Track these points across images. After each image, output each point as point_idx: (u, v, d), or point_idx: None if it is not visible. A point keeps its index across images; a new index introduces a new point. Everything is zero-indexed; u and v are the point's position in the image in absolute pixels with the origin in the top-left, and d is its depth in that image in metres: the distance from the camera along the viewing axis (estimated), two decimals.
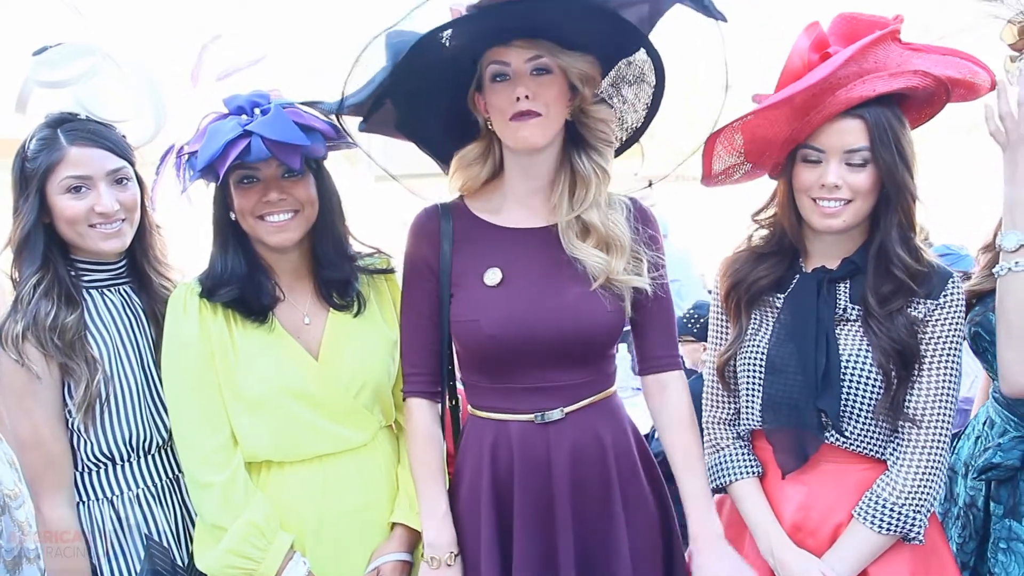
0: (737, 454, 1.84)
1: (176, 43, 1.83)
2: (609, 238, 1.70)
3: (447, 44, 1.62)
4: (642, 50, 1.74)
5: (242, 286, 1.74)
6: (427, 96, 1.72)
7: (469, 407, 1.82)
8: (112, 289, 1.86)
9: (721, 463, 1.84)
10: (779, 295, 1.80)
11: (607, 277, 1.68)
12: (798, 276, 1.79)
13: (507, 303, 1.69)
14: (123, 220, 1.80)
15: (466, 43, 1.62)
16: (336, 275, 1.82)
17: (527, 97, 1.60)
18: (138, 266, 1.90)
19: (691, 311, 3.80)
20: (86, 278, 1.82)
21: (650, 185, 1.90)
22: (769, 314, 1.81)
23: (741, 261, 1.85)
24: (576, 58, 1.64)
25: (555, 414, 1.71)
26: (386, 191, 1.89)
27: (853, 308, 1.72)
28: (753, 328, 1.82)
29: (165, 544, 1.83)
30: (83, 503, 1.79)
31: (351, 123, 1.75)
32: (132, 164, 1.83)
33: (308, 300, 1.84)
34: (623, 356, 4.24)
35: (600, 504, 1.71)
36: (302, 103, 1.71)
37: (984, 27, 1.80)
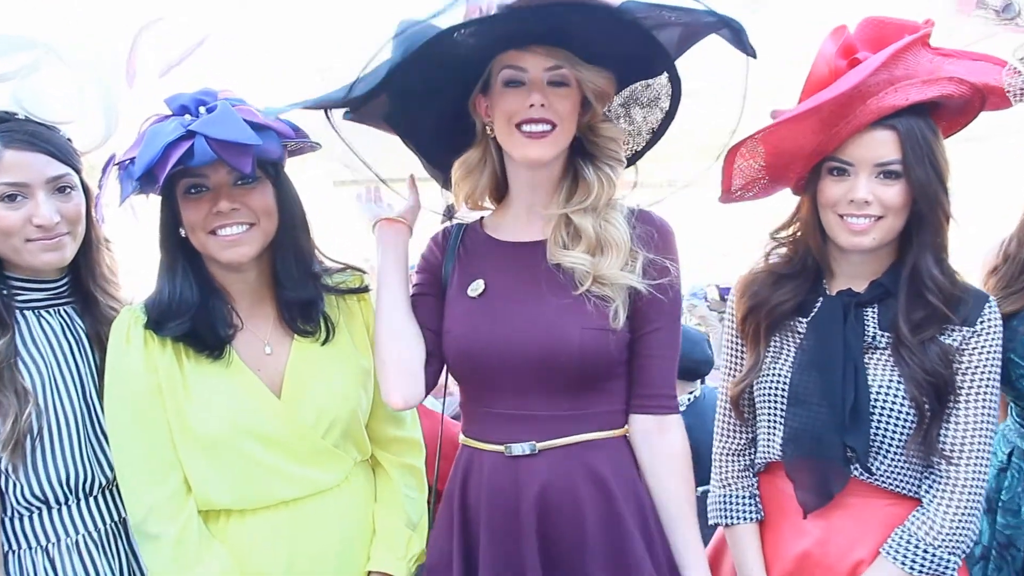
0: (742, 495, 1.72)
1: (127, 39, 1.62)
2: (601, 241, 1.54)
3: (463, 42, 1.46)
4: (665, 74, 1.61)
5: (194, 316, 1.53)
6: (426, 92, 1.56)
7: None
8: (51, 311, 1.64)
9: (725, 501, 1.72)
10: (801, 319, 1.66)
11: (594, 278, 1.51)
12: (822, 299, 1.65)
13: (481, 315, 1.56)
14: (65, 233, 1.58)
15: (482, 43, 1.47)
16: (299, 296, 1.62)
17: (542, 105, 1.47)
18: (82, 285, 1.68)
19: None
20: (20, 298, 1.60)
21: (634, 186, 1.73)
22: (791, 340, 1.66)
23: (760, 283, 1.70)
24: (596, 73, 1.52)
25: (523, 448, 1.53)
26: (347, 195, 1.68)
27: (882, 335, 1.58)
28: (773, 354, 1.67)
29: None
30: (13, 552, 1.57)
31: (335, 113, 1.58)
32: (78, 171, 1.62)
33: (270, 326, 1.63)
34: None
35: (574, 561, 1.52)
36: (305, 103, 1.52)
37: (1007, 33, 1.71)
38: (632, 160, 1.74)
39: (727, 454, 1.75)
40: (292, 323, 1.63)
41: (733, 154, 1.61)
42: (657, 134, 1.71)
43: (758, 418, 1.70)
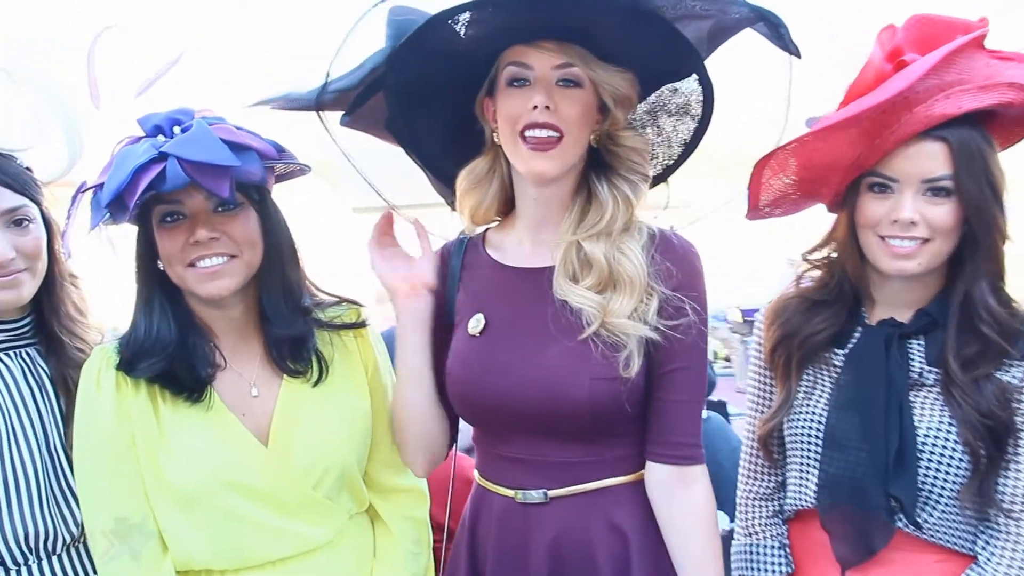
0: (770, 544, 1.56)
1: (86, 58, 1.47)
2: (614, 275, 1.37)
3: (462, 33, 1.32)
4: (694, 77, 1.44)
5: (170, 356, 1.38)
6: (428, 92, 1.42)
7: None
8: (11, 353, 1.50)
9: (752, 551, 1.57)
10: (837, 351, 1.50)
11: (602, 322, 1.35)
12: (861, 330, 1.49)
13: (480, 357, 1.42)
14: (22, 270, 1.45)
15: (485, 35, 1.32)
16: (288, 332, 1.47)
17: (547, 108, 1.31)
18: (46, 325, 1.54)
19: None
20: None
21: (666, 208, 1.58)
22: (825, 374, 1.50)
23: (791, 310, 1.54)
24: (613, 73, 1.36)
25: (535, 495, 1.40)
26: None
27: (930, 371, 1.41)
28: (806, 390, 1.51)
29: None
30: None
31: (331, 119, 1.44)
32: (37, 203, 1.48)
33: (256, 366, 1.48)
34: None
35: None
36: (273, 99, 1.37)
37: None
38: (664, 175, 1.58)
39: (754, 499, 1.60)
40: (281, 362, 1.48)
41: (761, 168, 1.45)
42: (690, 146, 1.54)
43: (788, 460, 1.54)
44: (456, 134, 1.48)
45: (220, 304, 1.43)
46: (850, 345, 1.48)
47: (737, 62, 1.37)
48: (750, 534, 1.59)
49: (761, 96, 1.38)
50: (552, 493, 1.40)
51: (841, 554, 1.45)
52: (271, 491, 1.42)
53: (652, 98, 1.50)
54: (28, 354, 1.52)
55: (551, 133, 1.33)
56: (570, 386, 1.35)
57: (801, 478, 1.50)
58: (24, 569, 1.45)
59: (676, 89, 1.48)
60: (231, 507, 1.39)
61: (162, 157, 1.27)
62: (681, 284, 1.40)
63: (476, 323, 1.44)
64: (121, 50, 1.45)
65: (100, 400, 1.37)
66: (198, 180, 1.28)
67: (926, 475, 1.38)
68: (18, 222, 1.44)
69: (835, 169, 1.42)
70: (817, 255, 1.54)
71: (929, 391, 1.41)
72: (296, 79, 1.32)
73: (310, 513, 1.46)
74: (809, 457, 1.48)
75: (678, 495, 1.40)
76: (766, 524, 1.58)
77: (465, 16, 1.29)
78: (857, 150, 1.38)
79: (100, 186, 1.31)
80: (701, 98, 1.46)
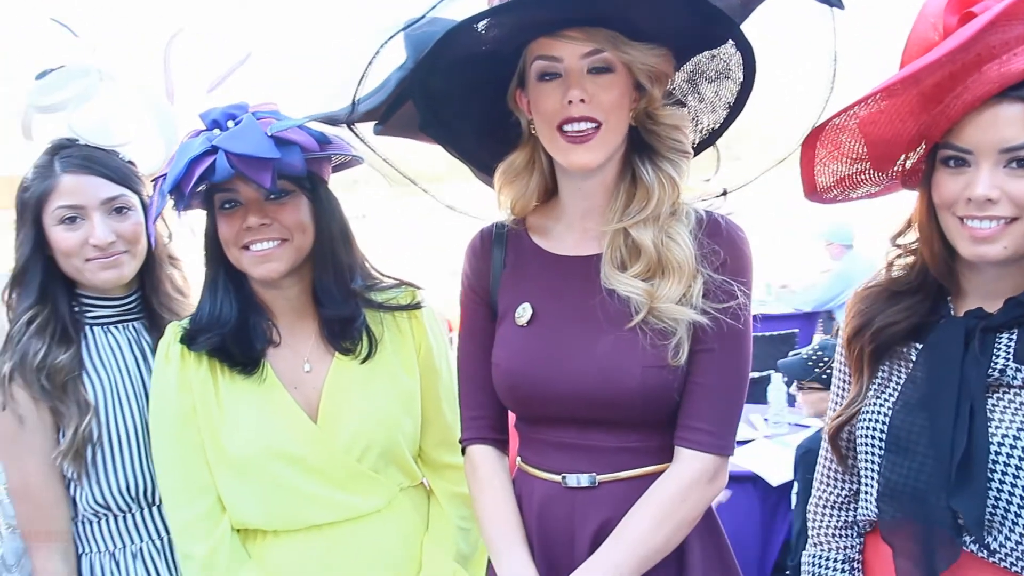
0: (834, 557, 1.41)
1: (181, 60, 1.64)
2: (663, 261, 1.32)
3: (485, 35, 1.30)
4: (730, 42, 1.35)
5: (225, 332, 1.51)
6: (457, 94, 1.41)
7: None
8: (119, 327, 1.71)
9: (815, 563, 1.43)
10: (917, 345, 1.31)
11: (650, 309, 1.30)
12: (942, 321, 1.29)
13: (529, 348, 1.40)
14: (123, 252, 1.64)
15: (507, 34, 1.29)
16: (337, 313, 1.55)
17: (582, 101, 1.26)
18: (148, 302, 1.73)
19: (814, 351, 3.18)
20: (90, 314, 1.68)
21: (724, 194, 1.46)
22: (901, 370, 1.32)
23: (872, 298, 1.37)
24: (645, 51, 1.29)
25: (583, 479, 1.37)
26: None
27: (1017, 369, 1.19)
28: (878, 387, 1.34)
29: None
30: (85, 554, 1.66)
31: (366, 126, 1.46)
32: (137, 192, 1.67)
33: (311, 343, 1.58)
34: (778, 386, 3.65)
35: None
36: (307, 118, 1.45)
37: None
38: (712, 139, 1.49)
39: (824, 506, 1.44)
40: (333, 340, 1.57)
41: (812, 143, 1.29)
42: (735, 108, 1.44)
43: (860, 465, 1.36)
44: (492, 129, 1.46)
45: (276, 285, 1.54)
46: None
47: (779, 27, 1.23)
48: (816, 544, 1.45)
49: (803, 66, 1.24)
50: (601, 478, 1.37)
51: (904, 573, 1.27)
52: (318, 462, 1.51)
53: (689, 66, 1.41)
54: (134, 327, 1.72)
55: (589, 125, 1.29)
56: (622, 376, 1.32)
57: (867, 485, 1.34)
58: (128, 516, 1.66)
59: (713, 55, 1.38)
60: (280, 476, 1.50)
61: (213, 150, 1.38)
62: (728, 267, 1.35)
63: (523, 312, 1.42)
64: (194, 51, 1.60)
65: (166, 370, 1.53)
66: (243, 171, 1.38)
67: (1000, 490, 1.17)
68: (118, 210, 1.63)
69: (897, 143, 1.23)
70: (907, 240, 1.35)
71: (1013, 393, 1.19)
72: (339, 84, 1.37)
73: (357, 484, 1.54)
74: (873, 462, 1.31)
75: (671, 471, 1.35)
76: (834, 535, 1.42)
77: (483, 21, 1.26)
78: (919, 119, 1.19)
79: (164, 176, 1.45)
80: (741, 61, 1.35)
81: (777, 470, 3.09)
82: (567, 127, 1.30)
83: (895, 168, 1.30)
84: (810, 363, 3.11)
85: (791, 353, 3.67)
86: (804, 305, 6.21)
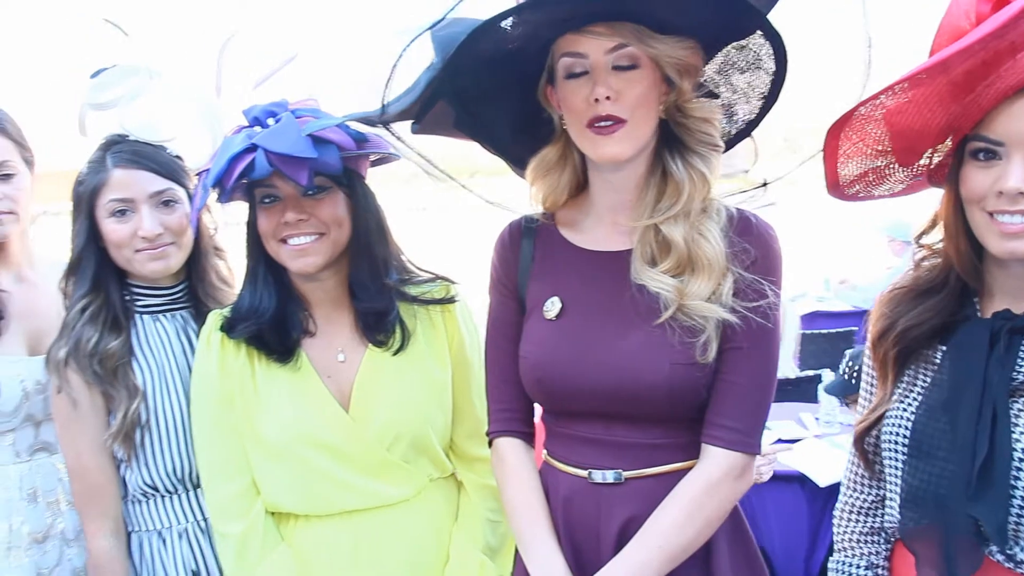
0: (858, 564, 1.39)
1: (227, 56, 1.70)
2: (692, 258, 1.33)
3: (508, 33, 1.31)
4: (758, 32, 1.34)
5: (263, 321, 1.56)
6: (489, 91, 1.43)
7: None
8: (167, 315, 1.78)
9: (839, 569, 1.41)
10: (942, 347, 1.28)
11: (679, 305, 1.31)
12: (968, 322, 1.25)
13: (557, 342, 1.40)
14: (169, 243, 1.70)
15: (533, 31, 1.30)
16: (371, 306, 1.59)
17: (607, 99, 1.27)
18: (195, 292, 1.80)
19: (847, 364, 3.10)
20: (140, 303, 1.76)
21: (764, 186, 1.47)
22: (926, 372, 1.30)
23: (897, 300, 1.34)
24: (672, 45, 1.29)
25: (609, 475, 1.38)
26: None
27: None
28: (903, 390, 1.31)
29: None
30: (134, 532, 1.74)
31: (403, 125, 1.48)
32: (183, 186, 1.73)
33: (346, 334, 1.62)
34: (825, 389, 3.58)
35: None
36: (343, 118, 1.49)
37: None
38: (747, 130, 1.48)
39: (849, 511, 1.42)
40: (368, 332, 1.61)
41: (835, 136, 1.26)
42: (770, 98, 1.43)
43: (885, 471, 1.34)
44: (525, 125, 1.48)
45: (313, 277, 1.58)
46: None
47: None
48: (841, 550, 1.42)
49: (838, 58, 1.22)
50: (627, 474, 1.37)
51: None
52: (349, 450, 1.55)
53: (719, 58, 1.40)
54: (182, 316, 1.80)
55: (614, 122, 1.30)
56: (649, 371, 1.32)
57: (892, 491, 1.31)
58: (174, 497, 1.73)
59: (743, 46, 1.36)
60: (312, 462, 1.54)
61: (253, 148, 1.43)
62: (758, 266, 1.34)
63: (551, 306, 1.43)
64: (244, 49, 1.66)
65: (207, 356, 1.59)
66: (281, 169, 1.43)
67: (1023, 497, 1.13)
68: (166, 202, 1.70)
69: (927, 135, 1.20)
70: (931, 239, 1.32)
71: None
72: (371, 85, 1.40)
73: (387, 473, 1.58)
74: (897, 467, 1.28)
75: (697, 468, 1.35)
76: (859, 541, 1.40)
77: (508, 19, 1.27)
78: (950, 109, 1.16)
79: (208, 171, 1.50)
80: (771, 52, 1.34)
81: (826, 471, 3.04)
82: (596, 124, 1.30)
83: (920, 163, 1.27)
84: (847, 377, 3.05)
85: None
86: (864, 303, 6.04)
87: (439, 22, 1.29)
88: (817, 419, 3.59)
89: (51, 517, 1.86)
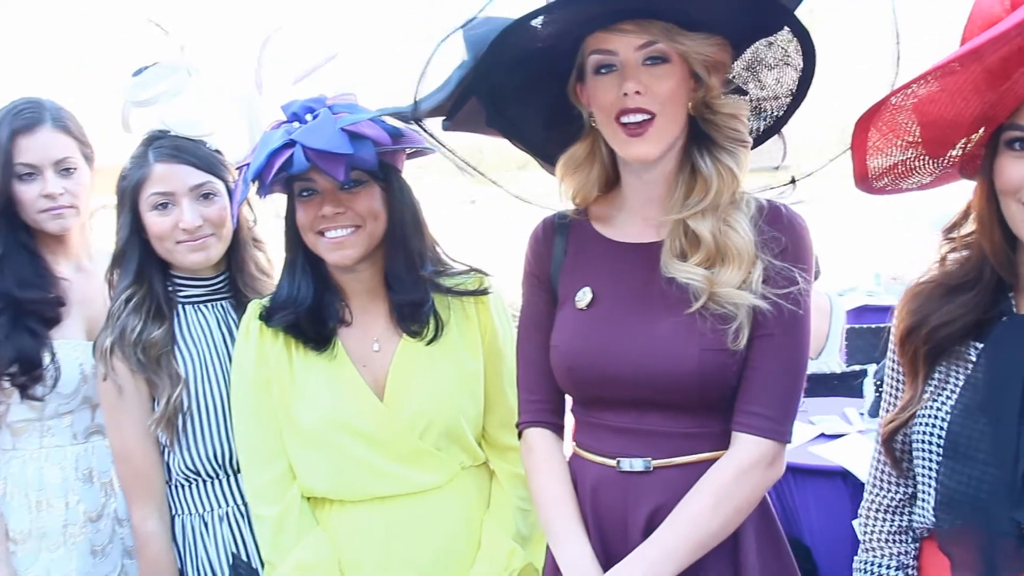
0: (887, 564, 1.37)
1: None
2: (721, 249, 1.34)
3: (539, 31, 1.33)
4: (786, 29, 1.34)
5: (300, 310, 1.60)
6: (519, 89, 1.45)
7: None
8: (208, 305, 1.83)
9: (866, 569, 1.39)
10: (977, 344, 1.25)
11: (710, 294, 1.32)
12: (1004, 319, 1.22)
13: (588, 330, 1.42)
14: (209, 235, 1.76)
15: (562, 30, 1.33)
16: (406, 298, 1.62)
17: (637, 93, 1.29)
18: (235, 282, 1.85)
19: (876, 386, 3.02)
20: (182, 293, 1.82)
21: (792, 183, 1.46)
22: (959, 371, 1.27)
23: (925, 295, 1.31)
24: (700, 41, 1.30)
25: (637, 464, 1.39)
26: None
27: None
28: (935, 388, 1.29)
29: (254, 565, 1.77)
30: (177, 515, 1.80)
31: (435, 121, 1.51)
32: (223, 179, 1.78)
33: (381, 324, 1.66)
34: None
35: None
36: (377, 112, 1.52)
37: None
38: (777, 126, 1.48)
39: (876, 510, 1.39)
40: (402, 322, 1.64)
41: (864, 127, 1.24)
42: (798, 96, 1.43)
43: (915, 470, 1.31)
44: (557, 121, 1.49)
45: (350, 269, 1.62)
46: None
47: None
48: (867, 550, 1.40)
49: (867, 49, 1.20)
50: (656, 462, 1.38)
51: None
52: (382, 437, 1.58)
53: (748, 54, 1.40)
54: (222, 306, 1.85)
55: (644, 116, 1.31)
56: (680, 357, 1.34)
57: (924, 491, 1.29)
58: (215, 481, 1.79)
59: (771, 43, 1.36)
60: (346, 448, 1.58)
61: (291, 144, 1.47)
62: (789, 253, 1.35)
63: (583, 296, 1.45)
64: (286, 45, 1.70)
65: (246, 344, 1.64)
66: (318, 165, 1.46)
67: None
68: (205, 195, 1.75)
69: (959, 125, 1.18)
70: (960, 232, 1.29)
71: None
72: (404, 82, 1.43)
73: (419, 460, 1.61)
74: (930, 468, 1.26)
75: (727, 455, 1.35)
76: (887, 540, 1.38)
77: (539, 18, 1.30)
78: (983, 98, 1.13)
79: (248, 165, 1.55)
80: (799, 48, 1.34)
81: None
82: (624, 119, 1.32)
83: (951, 154, 1.24)
84: (879, 393, 2.98)
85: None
86: None
87: (471, 21, 1.31)
88: (862, 414, 3.52)
89: (104, 497, 1.94)
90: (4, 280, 1.84)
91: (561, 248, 1.52)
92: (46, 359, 1.84)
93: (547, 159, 1.56)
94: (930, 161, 1.27)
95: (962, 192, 1.36)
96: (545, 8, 1.27)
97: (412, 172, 1.68)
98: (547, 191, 1.59)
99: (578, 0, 1.24)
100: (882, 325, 5.13)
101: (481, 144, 1.62)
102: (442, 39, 1.34)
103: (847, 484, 3.04)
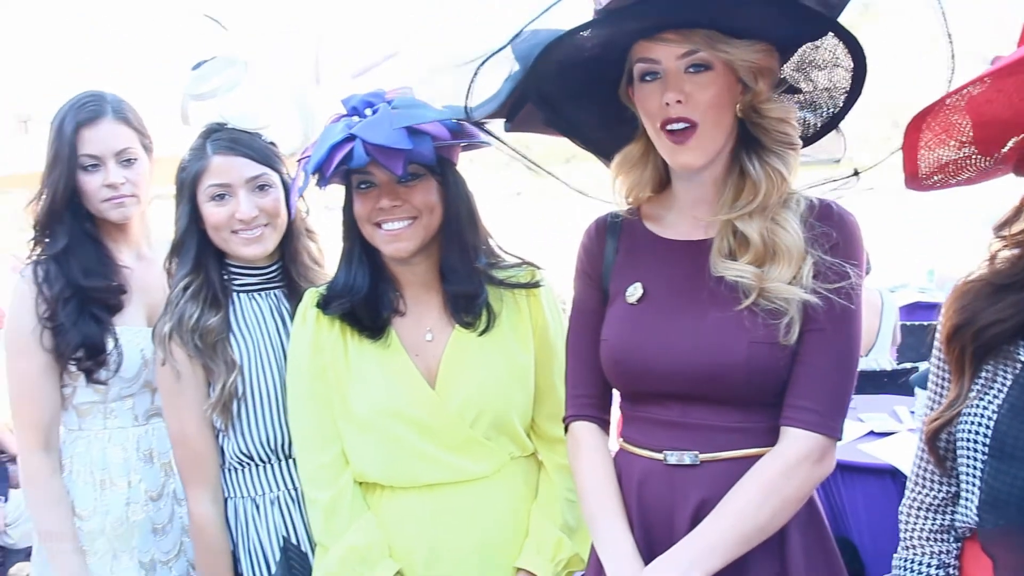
0: (927, 563, 1.36)
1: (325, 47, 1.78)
2: (769, 248, 1.35)
3: (585, 43, 1.37)
4: (830, 33, 1.35)
5: (356, 299, 1.65)
6: (571, 96, 1.49)
7: None
8: (262, 294, 1.88)
9: (905, 567, 1.39)
10: None
11: (760, 291, 1.33)
12: None
13: (637, 324, 1.44)
14: (264, 225, 1.80)
15: (607, 40, 1.36)
16: (461, 289, 1.65)
17: (679, 102, 1.31)
18: (288, 272, 1.90)
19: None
20: (237, 282, 1.87)
21: (856, 175, 1.46)
22: (1008, 371, 1.25)
23: (973, 294, 1.30)
24: (744, 49, 1.31)
25: (685, 457, 1.39)
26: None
27: None
28: (981, 387, 1.28)
29: (304, 549, 1.82)
30: (230, 498, 1.86)
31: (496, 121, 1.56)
32: (277, 171, 1.83)
33: (434, 315, 1.69)
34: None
35: None
36: (436, 116, 1.55)
37: None
38: (833, 123, 1.49)
39: (918, 508, 1.39)
40: (455, 313, 1.68)
41: (916, 127, 1.23)
42: (852, 93, 1.43)
43: (959, 469, 1.30)
44: (611, 122, 1.51)
45: (406, 261, 1.66)
46: None
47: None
48: (907, 547, 1.40)
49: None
50: (703, 456, 1.39)
51: None
52: (434, 425, 1.62)
53: (796, 56, 1.40)
54: (276, 295, 1.90)
55: (686, 125, 1.33)
56: (728, 350, 1.35)
57: (968, 491, 1.28)
58: (268, 466, 1.84)
59: (817, 46, 1.36)
60: (398, 435, 1.62)
61: (351, 138, 1.51)
62: (840, 249, 1.36)
63: (634, 291, 1.47)
64: (346, 40, 1.74)
65: (303, 332, 1.69)
66: (377, 159, 1.50)
67: None
68: (261, 187, 1.80)
69: (1014, 125, 1.16)
70: (1012, 230, 1.27)
71: None
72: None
73: (469, 449, 1.64)
74: (975, 467, 1.25)
75: (775, 449, 1.35)
76: (928, 539, 1.37)
77: (583, 31, 1.32)
78: None
79: (308, 157, 1.59)
80: (847, 50, 1.34)
81: None
82: (668, 127, 1.34)
83: (1003, 151, 1.22)
84: None
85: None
86: None
87: (518, 35, 1.33)
88: (912, 412, 3.47)
89: (164, 477, 2.03)
90: (71, 269, 1.91)
91: (613, 247, 1.54)
92: (109, 344, 1.92)
93: (608, 157, 1.58)
94: (981, 158, 1.26)
95: (1017, 189, 1.34)
96: (584, 25, 1.30)
97: (460, 165, 1.71)
98: (596, 184, 1.62)
99: (612, 19, 1.27)
100: (934, 323, 5.03)
101: (528, 140, 1.64)
102: (490, 54, 1.37)
103: (896, 483, 3.00)
